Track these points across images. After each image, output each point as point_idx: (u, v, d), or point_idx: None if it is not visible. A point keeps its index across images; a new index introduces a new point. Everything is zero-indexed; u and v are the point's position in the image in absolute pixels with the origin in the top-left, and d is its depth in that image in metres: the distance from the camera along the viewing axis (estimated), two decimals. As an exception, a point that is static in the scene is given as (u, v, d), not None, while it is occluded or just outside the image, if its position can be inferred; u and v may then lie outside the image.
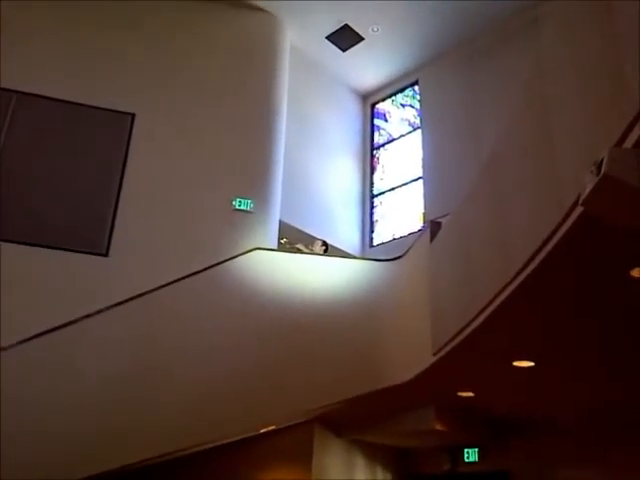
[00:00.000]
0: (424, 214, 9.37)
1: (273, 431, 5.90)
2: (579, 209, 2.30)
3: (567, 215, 2.43)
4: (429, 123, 10.02)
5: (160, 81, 7.98)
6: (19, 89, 7.26)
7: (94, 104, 7.52)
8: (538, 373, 4.36)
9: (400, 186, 10.21)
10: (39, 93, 7.35)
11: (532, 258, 2.80)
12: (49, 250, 6.69)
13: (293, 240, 8.71)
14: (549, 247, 2.63)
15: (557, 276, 2.89)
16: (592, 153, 2.12)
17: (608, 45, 2.24)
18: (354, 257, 9.19)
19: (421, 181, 9.74)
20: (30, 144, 7.17)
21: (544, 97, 2.89)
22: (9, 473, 4.55)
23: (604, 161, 1.98)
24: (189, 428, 5.23)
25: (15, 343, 5.25)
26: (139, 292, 5.71)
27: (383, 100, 11.11)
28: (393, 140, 10.74)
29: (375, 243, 10.18)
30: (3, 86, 7.19)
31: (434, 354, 4.36)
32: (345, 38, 9.69)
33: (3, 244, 6.51)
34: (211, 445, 5.66)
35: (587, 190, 2.08)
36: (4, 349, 5.18)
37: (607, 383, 4.57)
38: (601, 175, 1.99)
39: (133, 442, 5.12)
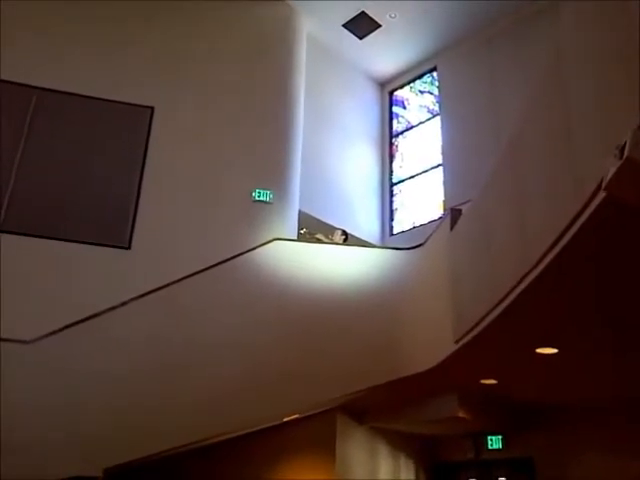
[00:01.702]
0: (444, 201, 9.31)
1: (296, 420, 5.94)
2: (601, 194, 2.26)
3: (589, 200, 2.39)
4: (448, 109, 9.92)
5: (178, 74, 8.01)
6: (40, 85, 7.34)
7: (113, 98, 7.57)
8: (562, 360, 4.32)
9: (420, 174, 10.15)
10: (59, 89, 7.42)
11: (554, 244, 2.76)
12: (72, 244, 6.79)
13: (313, 230, 8.71)
14: (571, 233, 2.60)
15: (579, 262, 2.85)
16: (613, 137, 2.08)
17: (628, 27, 2.19)
18: (374, 246, 9.17)
19: (441, 168, 9.67)
20: (51, 139, 7.26)
21: (563, 81, 2.85)
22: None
23: (627, 144, 1.95)
24: (212, 418, 5.28)
25: (39, 337, 5.33)
26: (161, 284, 5.76)
27: (401, 87, 11.02)
28: (412, 127, 10.67)
29: (395, 232, 10.14)
30: (24, 82, 7.27)
31: (456, 342, 4.35)
32: (362, 25, 9.61)
33: (25, 238, 6.61)
34: (235, 434, 5.72)
35: (610, 174, 2.05)
36: (27, 342, 5.26)
37: (632, 370, 4.51)
38: (624, 158, 1.95)
39: (156, 433, 5.18)
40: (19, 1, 7.49)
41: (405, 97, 10.98)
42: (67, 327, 5.43)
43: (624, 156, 1.95)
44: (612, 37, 2.36)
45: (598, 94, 2.43)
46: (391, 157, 10.74)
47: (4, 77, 7.13)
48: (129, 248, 7.01)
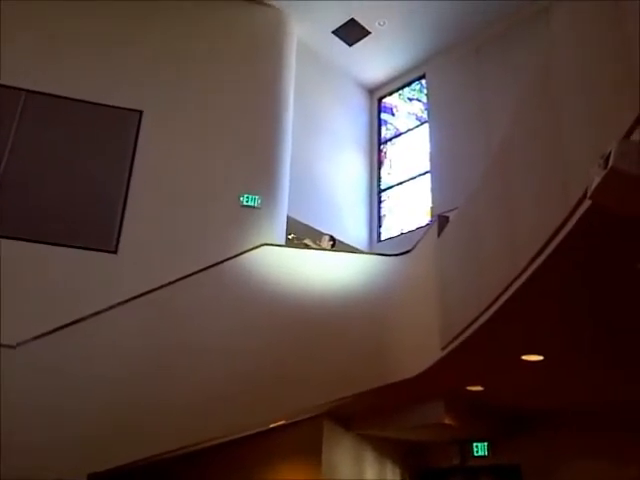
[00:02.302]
0: (432, 208, 9.35)
1: (282, 426, 5.93)
2: (587, 202, 2.29)
3: (575, 208, 2.42)
4: (436, 117, 9.98)
5: (167, 78, 7.99)
6: (27, 87, 7.29)
7: (102, 102, 7.54)
8: (547, 367, 4.35)
9: (407, 180, 10.19)
10: (47, 91, 7.37)
11: (540, 252, 2.79)
12: (58, 247, 6.73)
13: (301, 235, 8.71)
14: (557, 240, 2.62)
15: (565, 270, 2.88)
16: (600, 145, 2.11)
17: (618, 36, 2.22)
18: (362, 252, 9.18)
19: (428, 175, 9.72)
20: (38, 142, 7.21)
21: (552, 89, 2.88)
22: (9, 473, 4.59)
23: (612, 154, 1.97)
24: (199, 424, 5.26)
25: (27, 340, 5.29)
26: (147, 289, 5.74)
27: (390, 94, 11.07)
28: (400, 134, 10.72)
29: (383, 238, 10.16)
30: (12, 84, 7.22)
31: (442, 348, 4.36)
32: (351, 32, 9.66)
33: (12, 242, 6.55)
34: (222, 440, 5.69)
35: (594, 183, 2.08)
36: (14, 347, 5.22)
37: (619, 374, 4.55)
38: (609, 168, 1.98)
39: (142, 438, 5.16)
40: (8, 2, 7.43)
41: (394, 104, 11.03)
42: (53, 331, 5.41)
43: (609, 166, 1.97)
44: (602, 39, 2.39)
45: (588, 97, 2.46)
46: (379, 164, 10.77)
47: (-9, 79, 7.09)
48: (116, 252, 6.97)
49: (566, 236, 2.55)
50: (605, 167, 1.99)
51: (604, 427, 5.46)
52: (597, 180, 2.05)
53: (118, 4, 8.03)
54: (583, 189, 2.28)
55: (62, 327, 5.43)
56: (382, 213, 10.41)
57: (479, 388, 5.15)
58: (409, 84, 10.75)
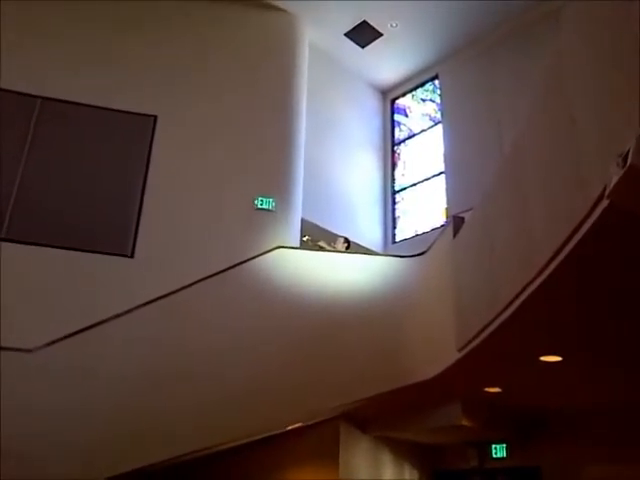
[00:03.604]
0: (447, 209, 9.31)
1: (299, 429, 5.92)
2: (604, 202, 2.26)
3: (592, 208, 2.39)
4: (450, 117, 9.95)
5: (180, 82, 8.04)
6: (43, 94, 7.38)
7: (116, 107, 7.61)
8: (566, 368, 4.30)
9: (422, 181, 10.16)
10: (62, 98, 7.45)
11: (557, 253, 2.76)
12: (75, 252, 6.79)
13: (315, 238, 8.71)
14: (574, 241, 2.59)
15: (583, 271, 2.84)
16: (617, 144, 2.08)
17: (629, 34, 2.19)
18: (376, 254, 9.17)
19: (443, 176, 9.68)
20: (54, 148, 7.29)
21: (565, 87, 2.85)
22: (25, 475, 4.63)
23: (630, 152, 1.95)
24: (216, 426, 5.28)
25: (42, 345, 5.34)
26: (164, 293, 5.77)
27: (403, 95, 11.06)
28: (414, 135, 10.69)
29: (398, 239, 10.15)
30: (27, 91, 7.31)
31: (459, 350, 4.33)
32: (364, 34, 9.67)
33: (29, 246, 6.63)
34: (239, 443, 5.70)
35: (613, 182, 2.05)
36: (30, 351, 5.27)
37: (638, 377, 4.49)
38: (627, 166, 1.95)
39: (160, 440, 5.18)
40: (21, 8, 7.53)
41: (407, 105, 11.02)
42: (70, 335, 5.45)
43: (627, 164, 1.95)
44: (614, 38, 2.36)
45: (602, 98, 2.43)
46: (393, 165, 10.76)
47: (7, 86, 7.17)
48: (132, 257, 7.02)
49: (583, 237, 2.52)
50: (623, 166, 1.97)
51: (625, 428, 5.38)
52: (615, 179, 2.03)
53: (131, 11, 8.10)
54: (599, 189, 2.25)
55: (80, 331, 5.47)
56: (396, 214, 10.39)
57: (497, 389, 5.11)
58: (422, 85, 10.74)
